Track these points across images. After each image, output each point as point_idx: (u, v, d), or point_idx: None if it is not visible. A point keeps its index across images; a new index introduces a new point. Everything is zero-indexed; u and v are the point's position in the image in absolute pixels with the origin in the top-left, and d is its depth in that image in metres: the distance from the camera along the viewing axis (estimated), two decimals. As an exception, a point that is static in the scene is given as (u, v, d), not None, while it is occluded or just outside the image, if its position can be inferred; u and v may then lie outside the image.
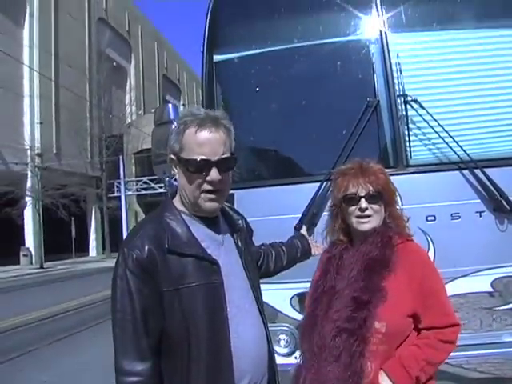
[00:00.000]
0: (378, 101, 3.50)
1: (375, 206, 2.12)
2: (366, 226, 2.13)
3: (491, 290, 3.35)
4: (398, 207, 2.25)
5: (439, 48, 3.61)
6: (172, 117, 3.44)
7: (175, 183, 3.47)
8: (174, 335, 1.73)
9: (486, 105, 3.50)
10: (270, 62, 3.78)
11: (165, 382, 1.74)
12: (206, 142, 1.79)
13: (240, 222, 2.08)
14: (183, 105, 59.15)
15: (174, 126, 3.34)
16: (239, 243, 1.99)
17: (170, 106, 3.48)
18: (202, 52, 3.84)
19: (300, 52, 3.74)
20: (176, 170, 1.88)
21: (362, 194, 2.12)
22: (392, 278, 2.03)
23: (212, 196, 1.82)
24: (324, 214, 3.32)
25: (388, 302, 2.00)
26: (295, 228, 3.38)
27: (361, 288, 2.03)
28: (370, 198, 2.12)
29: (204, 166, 1.79)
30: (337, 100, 3.69)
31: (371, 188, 2.12)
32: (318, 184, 3.41)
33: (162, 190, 40.30)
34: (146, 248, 1.72)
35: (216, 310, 1.76)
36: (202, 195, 1.82)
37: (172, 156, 1.87)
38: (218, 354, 1.74)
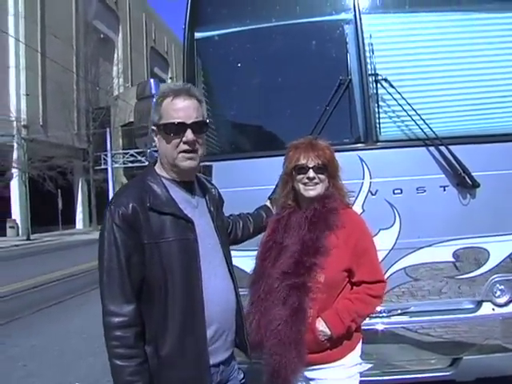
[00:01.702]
0: (350, 79, 3.64)
1: (321, 176, 2.45)
2: (312, 192, 2.45)
3: (453, 259, 3.56)
4: (340, 180, 2.56)
5: (410, 30, 3.77)
6: (154, 91, 3.58)
7: (156, 155, 3.65)
8: (154, 283, 1.97)
9: (452, 85, 3.68)
10: (248, 40, 3.91)
11: (145, 324, 1.97)
12: (181, 107, 2.06)
13: (213, 190, 2.36)
14: (171, 78, 58.73)
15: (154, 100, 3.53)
16: (211, 208, 2.23)
17: (152, 80, 3.62)
18: (184, 28, 3.96)
19: (277, 31, 3.86)
20: (157, 140, 2.13)
21: (311, 165, 2.45)
22: (333, 237, 2.37)
23: (189, 155, 2.07)
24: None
25: (328, 257, 2.34)
26: (269, 198, 3.56)
27: (306, 243, 2.36)
28: (317, 169, 2.45)
29: (180, 128, 2.05)
30: (311, 77, 3.83)
31: (319, 161, 2.44)
32: None
33: (148, 163, 40.29)
34: (131, 205, 1.96)
35: (190, 261, 2.01)
36: (180, 155, 2.06)
37: (153, 127, 2.12)
38: (191, 300, 1.98)
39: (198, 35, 3.92)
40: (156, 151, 3.65)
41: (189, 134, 2.05)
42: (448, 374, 3.58)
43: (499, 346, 3.54)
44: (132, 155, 40.24)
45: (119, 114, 40.13)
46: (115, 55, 46.79)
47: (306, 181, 2.45)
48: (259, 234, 2.75)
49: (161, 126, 2.08)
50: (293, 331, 2.28)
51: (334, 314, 2.37)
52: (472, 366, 3.55)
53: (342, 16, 3.78)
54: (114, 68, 45.98)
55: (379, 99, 3.64)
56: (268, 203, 3.11)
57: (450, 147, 3.52)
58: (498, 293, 3.58)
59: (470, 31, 3.75)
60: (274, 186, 3.53)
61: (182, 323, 1.96)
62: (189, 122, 2.05)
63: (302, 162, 2.45)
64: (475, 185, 3.52)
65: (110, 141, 38.03)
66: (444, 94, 3.68)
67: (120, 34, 47.68)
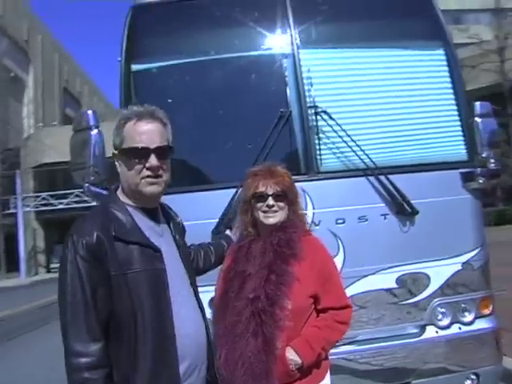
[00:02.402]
0: (291, 111, 3.71)
1: (280, 204, 2.43)
2: (271, 220, 2.43)
3: (396, 286, 3.64)
4: (299, 207, 2.56)
5: (346, 64, 3.91)
6: (91, 123, 3.45)
7: (94, 189, 3.49)
8: (122, 317, 1.83)
9: (389, 117, 3.84)
10: (187, 73, 3.90)
11: (113, 365, 1.82)
12: (145, 131, 1.97)
13: (177, 218, 2.26)
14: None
15: (93, 132, 3.40)
16: (177, 237, 2.13)
17: (90, 112, 3.48)
18: (120, 61, 3.89)
19: (216, 64, 3.89)
20: (118, 165, 2.01)
21: (270, 193, 2.42)
22: (296, 264, 2.34)
23: (152, 180, 1.97)
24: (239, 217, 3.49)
25: (294, 285, 2.31)
26: (212, 232, 3.49)
27: (272, 272, 2.32)
28: (277, 197, 2.43)
29: (143, 153, 1.95)
30: (251, 111, 3.86)
31: (278, 188, 2.42)
32: (234, 190, 3.55)
33: (61, 207, 38.86)
34: (95, 234, 1.83)
35: (159, 293, 1.88)
36: (143, 181, 1.96)
37: (114, 151, 2.01)
38: (162, 335, 1.85)
39: (134, 67, 3.86)
40: (93, 185, 3.54)
41: (152, 160, 1.96)
42: (397, 400, 3.61)
43: (443, 368, 3.62)
44: (44, 198, 38.71)
45: (30, 155, 38.64)
46: (25, 95, 45.32)
47: (266, 209, 2.42)
48: (220, 264, 2.67)
49: (122, 151, 1.98)
50: (264, 362, 2.21)
51: (303, 342, 2.32)
52: (420, 391, 3.60)
53: (280, 50, 3.86)
54: (25, 108, 44.48)
55: (319, 131, 3.71)
56: (228, 232, 3.04)
57: (389, 176, 3.64)
58: (440, 316, 3.69)
59: (404, 66, 3.96)
60: (216, 220, 3.54)
61: (154, 361, 1.83)
62: (152, 146, 1.96)
63: (261, 189, 2.43)
64: (414, 212, 3.65)
65: (20, 183, 36.43)
66: (381, 125, 3.83)
67: (31, 74, 46.32)
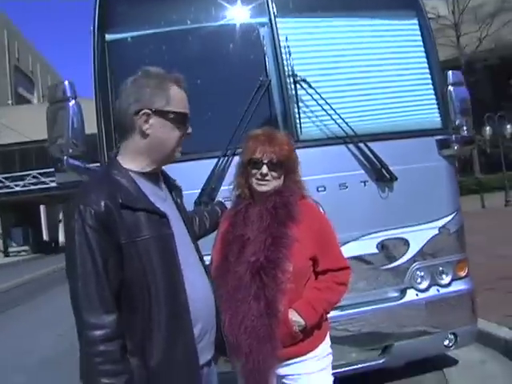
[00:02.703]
0: (270, 80, 3.69)
1: (274, 173, 2.39)
2: (264, 188, 2.40)
3: (377, 251, 3.71)
4: (298, 173, 2.52)
5: (324, 33, 3.92)
6: (69, 94, 3.36)
7: (73, 162, 3.42)
8: (134, 286, 1.78)
9: (367, 85, 3.88)
10: (163, 43, 3.82)
11: (126, 335, 1.77)
12: (185, 99, 1.96)
13: (176, 182, 2.19)
14: (38, 101, 56.08)
15: (70, 104, 3.31)
16: (178, 201, 2.09)
17: (67, 82, 3.39)
18: (92, 31, 3.78)
19: (193, 33, 3.82)
20: (147, 126, 1.89)
21: (265, 161, 2.38)
22: (295, 227, 2.34)
23: (180, 147, 1.98)
24: (222, 188, 3.49)
25: (294, 247, 2.31)
26: (195, 203, 3.48)
27: (271, 235, 2.31)
28: (272, 166, 2.38)
29: (186, 120, 1.95)
30: (231, 80, 3.83)
31: (274, 157, 2.37)
32: (215, 160, 3.54)
33: (18, 189, 37.99)
34: (102, 203, 1.75)
35: (169, 259, 1.84)
36: (179, 147, 1.96)
37: (147, 110, 1.87)
38: (175, 301, 1.82)
39: (108, 37, 3.75)
40: (71, 157, 3.47)
41: (189, 128, 1.96)
42: (380, 362, 3.71)
43: (424, 330, 3.74)
44: (0, 181, 37.71)
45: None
46: (-25, 74, 43.75)
47: (259, 177, 2.39)
48: (214, 230, 2.65)
49: (169, 114, 1.89)
50: (267, 325, 2.21)
51: (306, 303, 2.34)
52: (402, 352, 3.72)
53: (258, 19, 3.83)
54: (-25, 88, 42.96)
55: (298, 99, 3.71)
56: (221, 198, 3.03)
57: (368, 144, 3.69)
58: (419, 279, 3.79)
59: (381, 35, 4.00)
60: (198, 190, 3.52)
61: (169, 329, 1.79)
62: (189, 115, 1.98)
63: (257, 156, 2.38)
64: (393, 178, 3.71)
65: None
66: (359, 93, 3.87)
67: (-20, 52, 44.68)
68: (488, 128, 23.66)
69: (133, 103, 1.87)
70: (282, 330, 2.25)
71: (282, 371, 2.36)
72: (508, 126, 24.32)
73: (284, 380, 2.38)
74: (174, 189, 2.11)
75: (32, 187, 38.15)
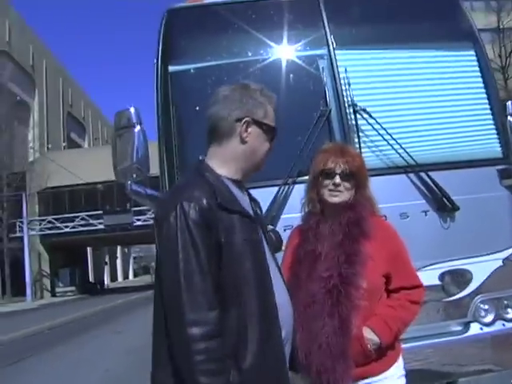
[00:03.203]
0: (330, 110, 3.73)
1: (347, 184, 2.39)
2: (336, 199, 2.39)
3: (439, 282, 3.61)
4: (368, 189, 2.50)
5: (383, 64, 3.95)
6: (134, 120, 3.48)
7: (136, 187, 3.49)
8: (229, 287, 1.78)
9: (427, 115, 3.86)
10: (224, 74, 3.93)
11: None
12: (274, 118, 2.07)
13: (253, 195, 2.20)
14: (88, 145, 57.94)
15: (136, 130, 3.41)
16: (257, 211, 2.11)
17: (132, 109, 3.51)
18: (156, 62, 3.93)
19: (254, 65, 3.92)
20: (246, 134, 1.97)
21: (338, 171, 2.38)
22: (367, 243, 2.32)
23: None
24: (282, 216, 3.51)
25: (367, 263, 2.28)
26: None
27: (345, 251, 2.29)
28: (344, 176, 2.38)
29: (275, 136, 2.06)
30: (292, 111, 3.85)
31: (347, 167, 2.38)
32: (276, 188, 3.56)
33: (67, 230, 38.90)
34: (205, 200, 1.78)
35: (260, 263, 1.86)
36: (265, 159, 2.05)
37: (247, 118, 1.96)
38: (266, 304, 1.82)
39: (171, 69, 3.89)
40: (136, 182, 3.55)
41: (272, 144, 2.06)
42: (445, 398, 3.56)
43: (489, 366, 3.59)
44: (50, 222, 38.78)
45: (35, 179, 38.76)
46: (31, 119, 45.68)
47: (332, 187, 2.38)
48: None
49: (266, 126, 2.01)
50: (341, 343, 2.18)
51: (380, 321, 2.29)
52: (467, 389, 3.55)
53: (317, 51, 3.91)
54: (30, 132, 44.80)
55: (358, 129, 3.73)
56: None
57: (429, 173, 3.65)
58: (483, 312, 3.66)
59: (439, 66, 4.00)
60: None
61: (262, 331, 1.78)
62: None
63: (330, 166, 2.39)
64: (455, 208, 3.64)
65: (26, 207, 36.51)
66: (419, 123, 3.86)
67: (36, 98, 46.75)
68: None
69: (235, 110, 1.95)
70: (355, 348, 2.21)
71: None
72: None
73: None
74: (253, 200, 2.13)
75: (80, 229, 39.04)
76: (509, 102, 4.18)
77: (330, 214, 2.41)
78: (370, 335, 2.26)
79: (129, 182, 3.48)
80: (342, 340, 2.18)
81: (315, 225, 2.43)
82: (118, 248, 72.95)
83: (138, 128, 3.45)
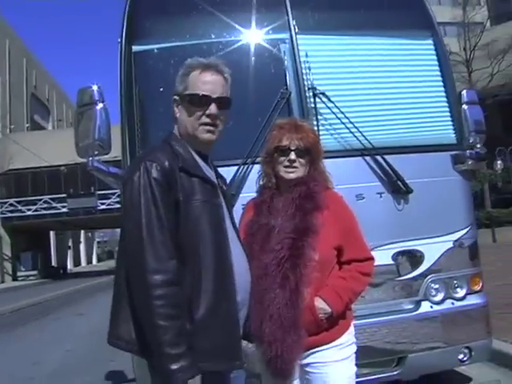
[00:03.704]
0: (290, 93, 3.81)
1: (302, 160, 2.45)
2: (292, 175, 2.45)
3: (392, 262, 3.75)
4: (322, 163, 2.58)
5: (343, 50, 4.05)
6: (96, 98, 3.49)
7: (98, 164, 3.51)
8: (186, 244, 1.91)
9: (385, 101, 3.99)
10: (188, 55, 3.88)
11: None
12: (208, 81, 2.08)
13: (220, 173, 2.31)
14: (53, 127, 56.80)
15: (98, 107, 3.43)
16: (223, 186, 2.22)
17: (95, 87, 3.52)
18: (120, 42, 3.93)
19: (217, 47, 3.95)
20: (177, 110, 2.10)
21: (293, 148, 2.44)
22: (319, 216, 2.38)
23: (209, 128, 2.07)
24: (241, 195, 3.58)
25: (319, 236, 2.35)
26: None
27: (297, 224, 2.36)
28: (299, 152, 2.44)
29: (205, 100, 2.05)
30: (252, 92, 3.93)
31: (301, 144, 2.44)
32: (235, 167, 3.63)
33: (29, 213, 38.25)
34: (167, 162, 1.93)
35: (218, 225, 1.98)
36: (201, 127, 2.06)
37: (175, 97, 2.10)
38: (222, 264, 1.94)
39: (135, 48, 3.90)
40: (97, 161, 3.57)
41: (212, 108, 2.05)
42: (395, 373, 3.71)
43: (438, 342, 3.75)
44: (11, 204, 38.02)
45: (-3, 161, 37.93)
46: (-7, 100, 44.55)
47: (287, 163, 2.43)
48: None
49: (185, 97, 2.06)
50: (292, 314, 2.25)
51: (331, 291, 2.36)
52: (416, 364, 3.71)
53: (279, 35, 3.96)
54: (-8, 113, 43.69)
55: (317, 112, 3.81)
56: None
57: (385, 156, 3.77)
58: (434, 292, 3.82)
59: (398, 54, 4.14)
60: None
61: (216, 286, 1.90)
62: (214, 96, 2.06)
63: (285, 143, 2.44)
64: (409, 191, 3.78)
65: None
66: (377, 108, 3.98)
67: (-1, 79, 45.57)
68: (499, 162, 23.73)
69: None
70: (307, 318, 2.28)
71: (305, 360, 2.38)
72: (519, 161, 24.40)
73: (307, 368, 2.40)
74: (219, 176, 2.24)
75: (43, 212, 38.39)
76: (464, 91, 4.31)
77: (285, 189, 2.47)
78: (321, 305, 2.33)
79: (90, 159, 3.49)
80: (293, 311, 2.25)
81: (269, 199, 2.49)
82: (82, 232, 71.97)
83: (100, 106, 3.46)
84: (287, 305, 2.25)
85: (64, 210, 37.60)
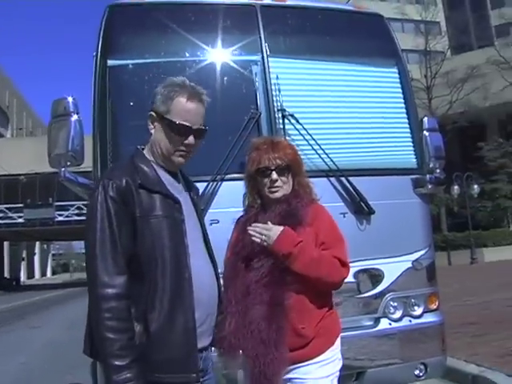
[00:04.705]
0: (260, 113, 3.93)
1: (284, 178, 2.50)
2: (277, 194, 2.50)
3: (353, 280, 3.87)
4: (304, 176, 2.64)
5: (312, 74, 4.19)
6: (71, 109, 3.53)
7: (69, 175, 3.54)
8: (143, 258, 1.98)
9: (350, 125, 4.17)
10: (162, 72, 4.02)
11: (133, 302, 1.94)
12: (191, 112, 2.13)
13: (194, 183, 2.40)
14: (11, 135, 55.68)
15: (72, 119, 3.46)
16: (194, 197, 2.30)
17: (70, 99, 3.56)
18: (95, 56, 3.99)
19: (190, 66, 4.05)
20: (153, 126, 2.16)
21: (273, 168, 2.48)
22: (302, 231, 2.42)
23: (183, 153, 2.15)
24: (209, 210, 3.66)
25: None
26: None
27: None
28: (280, 171, 2.49)
29: (185, 130, 2.11)
30: (223, 112, 4.03)
31: (281, 162, 2.49)
32: (204, 184, 3.71)
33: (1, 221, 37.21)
34: (124, 180, 2.00)
35: (178, 241, 2.03)
36: (176, 153, 2.14)
37: (153, 113, 2.15)
38: (180, 278, 1.99)
39: (110, 63, 3.96)
40: (67, 172, 3.60)
41: (191, 139, 2.12)
42: (353, 388, 3.82)
43: (395, 358, 3.89)
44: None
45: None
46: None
47: (270, 184, 2.48)
48: None
49: (165, 120, 2.12)
50: (273, 329, 2.28)
51: (297, 237, 2.36)
52: (375, 379, 3.83)
53: (251, 57, 4.10)
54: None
55: (286, 133, 3.93)
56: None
57: (349, 178, 3.93)
58: (392, 309, 3.96)
59: (364, 81, 4.31)
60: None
61: (172, 300, 1.95)
62: (194, 127, 2.13)
63: (265, 164, 2.48)
64: (371, 212, 3.94)
65: None
66: (342, 132, 4.16)
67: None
68: (456, 187, 24.44)
69: (151, 105, 2.15)
70: (288, 332, 2.31)
71: (288, 375, 2.39)
72: (475, 186, 25.20)
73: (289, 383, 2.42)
74: (191, 188, 2.33)
75: (-5, 223, 37.51)
76: (425, 118, 4.53)
77: (269, 207, 2.53)
78: (271, 231, 2.36)
79: (63, 170, 3.52)
80: (275, 326, 2.28)
81: (254, 217, 2.54)
82: (37, 244, 70.39)
83: (74, 117, 3.51)
84: (266, 319, 2.29)
85: (20, 220, 36.82)
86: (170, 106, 2.12)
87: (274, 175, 2.47)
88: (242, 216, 2.68)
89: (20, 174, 36.68)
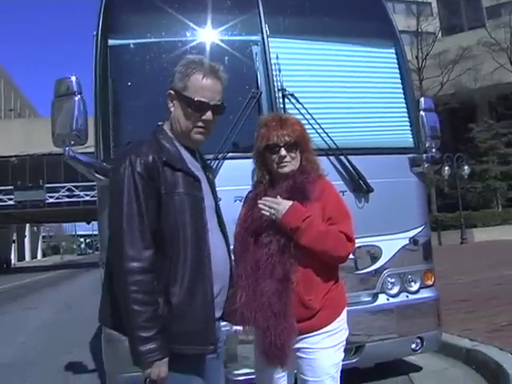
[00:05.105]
0: (261, 93, 3.98)
1: (293, 154, 2.54)
2: (286, 169, 2.54)
3: (352, 257, 3.95)
4: (312, 152, 2.66)
5: (312, 54, 4.26)
6: (75, 89, 3.55)
7: (74, 153, 3.58)
8: (166, 234, 2.02)
9: (350, 104, 4.23)
10: (163, 51, 4.05)
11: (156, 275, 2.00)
12: (209, 88, 2.15)
13: (209, 163, 2.45)
14: None
15: (76, 98, 3.48)
16: (210, 176, 2.33)
17: (74, 78, 3.57)
18: (96, 35, 4.00)
19: (191, 45, 4.08)
20: (172, 104, 2.18)
21: (282, 144, 2.52)
22: (309, 206, 2.47)
23: (202, 130, 2.18)
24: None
25: None
26: None
27: None
28: (288, 147, 2.53)
29: (203, 106, 2.14)
30: (225, 91, 4.07)
31: (289, 138, 2.52)
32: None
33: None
34: (151, 156, 2.03)
35: (198, 219, 2.09)
36: (195, 129, 2.17)
37: (171, 91, 2.17)
38: (200, 253, 2.06)
39: (111, 42, 3.98)
40: (72, 151, 3.63)
41: (208, 114, 2.14)
42: (353, 361, 3.92)
43: (393, 332, 4.00)
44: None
45: None
46: None
47: (279, 160, 2.51)
48: None
49: (184, 97, 2.14)
50: (283, 302, 2.35)
51: (306, 213, 2.41)
52: (373, 352, 3.96)
53: (252, 37, 4.13)
54: None
55: (286, 112, 3.97)
56: None
57: (348, 157, 4.00)
58: (390, 285, 4.07)
59: (364, 61, 4.39)
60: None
61: (193, 274, 2.02)
62: (212, 103, 2.15)
63: (273, 141, 2.50)
64: (369, 190, 4.02)
65: None
66: (342, 111, 4.25)
67: None
68: (447, 168, 24.58)
69: (170, 83, 2.18)
70: (295, 306, 2.39)
71: (297, 344, 2.46)
72: (465, 167, 25.37)
73: (298, 353, 2.50)
74: (207, 167, 2.37)
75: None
76: (422, 99, 4.61)
77: (278, 182, 2.58)
78: (280, 205, 2.43)
79: (67, 149, 3.55)
80: (282, 299, 2.36)
81: (263, 192, 2.58)
82: (27, 226, 70.18)
83: (78, 97, 3.53)
84: (275, 294, 2.36)
85: (10, 202, 36.67)
86: (187, 82, 2.14)
87: (283, 152, 2.51)
88: (250, 191, 2.72)
89: (10, 156, 36.45)
